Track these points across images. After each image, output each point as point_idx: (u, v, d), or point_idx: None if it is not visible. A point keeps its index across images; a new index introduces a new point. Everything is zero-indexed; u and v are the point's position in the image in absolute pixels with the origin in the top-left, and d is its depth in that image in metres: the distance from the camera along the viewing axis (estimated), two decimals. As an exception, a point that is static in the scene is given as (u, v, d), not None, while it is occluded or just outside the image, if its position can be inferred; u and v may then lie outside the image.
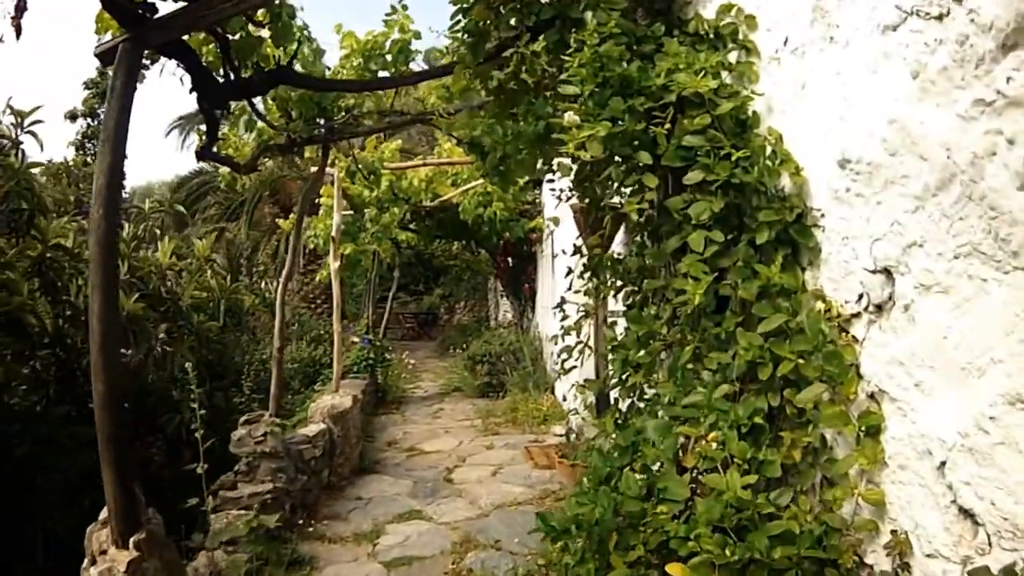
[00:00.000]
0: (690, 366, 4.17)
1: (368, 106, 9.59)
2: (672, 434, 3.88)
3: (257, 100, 8.94)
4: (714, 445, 3.59)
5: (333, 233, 13.36)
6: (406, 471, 11.55)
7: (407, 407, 17.48)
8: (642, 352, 4.72)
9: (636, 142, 4.19)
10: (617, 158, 4.39)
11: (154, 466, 9.58)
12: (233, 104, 8.57)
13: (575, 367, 6.61)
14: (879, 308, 3.25)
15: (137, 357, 9.61)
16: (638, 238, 5.60)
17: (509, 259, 22.51)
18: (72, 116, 29.74)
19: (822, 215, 3.71)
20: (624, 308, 5.57)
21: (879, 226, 3.20)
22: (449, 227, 20.73)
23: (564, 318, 6.81)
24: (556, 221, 12.58)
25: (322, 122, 9.87)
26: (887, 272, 3.19)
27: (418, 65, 9.96)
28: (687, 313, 4.23)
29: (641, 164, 4.18)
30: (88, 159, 25.72)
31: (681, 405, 3.92)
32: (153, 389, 10.26)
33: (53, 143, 48.49)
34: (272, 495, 8.40)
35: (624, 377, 4.97)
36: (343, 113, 9.66)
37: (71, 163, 22.01)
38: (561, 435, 12.86)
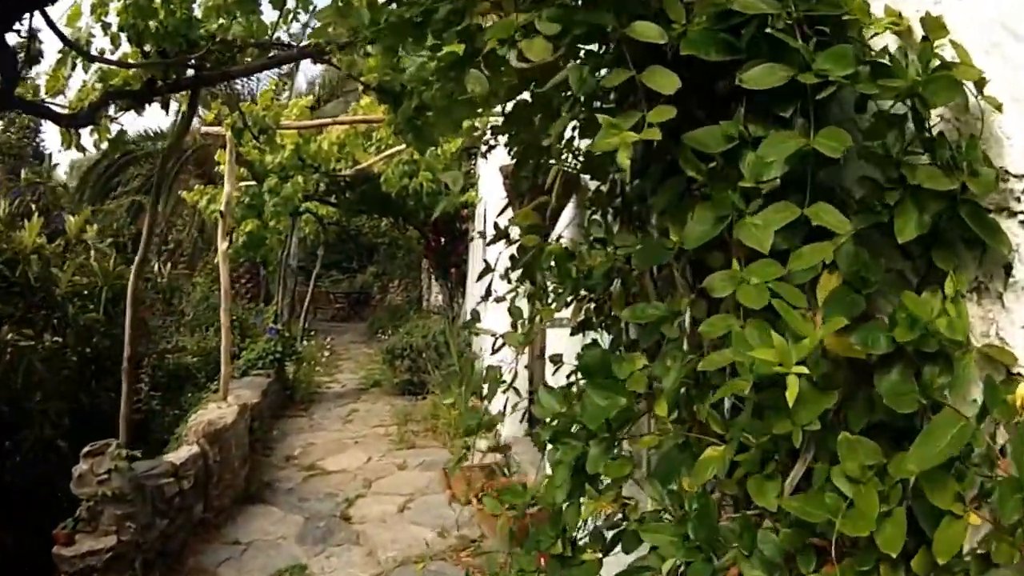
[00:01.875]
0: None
1: (236, 32, 7.14)
2: None
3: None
4: None
5: (222, 207, 11.27)
6: (299, 501, 9.85)
7: (317, 408, 15.55)
8: (609, 454, 2.71)
9: (622, 11, 2.49)
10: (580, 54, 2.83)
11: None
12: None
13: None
14: None
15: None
16: (599, 215, 3.76)
17: (441, 238, 20.23)
18: None
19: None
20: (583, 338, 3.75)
21: None
22: (371, 201, 18.36)
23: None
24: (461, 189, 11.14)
25: (193, 61, 7.38)
26: None
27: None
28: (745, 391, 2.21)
29: (631, 59, 2.43)
30: None
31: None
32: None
33: None
34: (114, 552, 6.80)
35: (569, 496, 2.87)
36: (211, 42, 7.17)
37: None
38: (487, 451, 10.94)
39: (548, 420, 3.01)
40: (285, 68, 24.28)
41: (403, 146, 13.93)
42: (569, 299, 3.68)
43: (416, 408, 14.48)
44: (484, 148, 5.41)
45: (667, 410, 2.59)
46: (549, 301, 3.68)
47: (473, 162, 17.59)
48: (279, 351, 14.89)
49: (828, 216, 2.15)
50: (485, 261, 4.91)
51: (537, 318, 3.68)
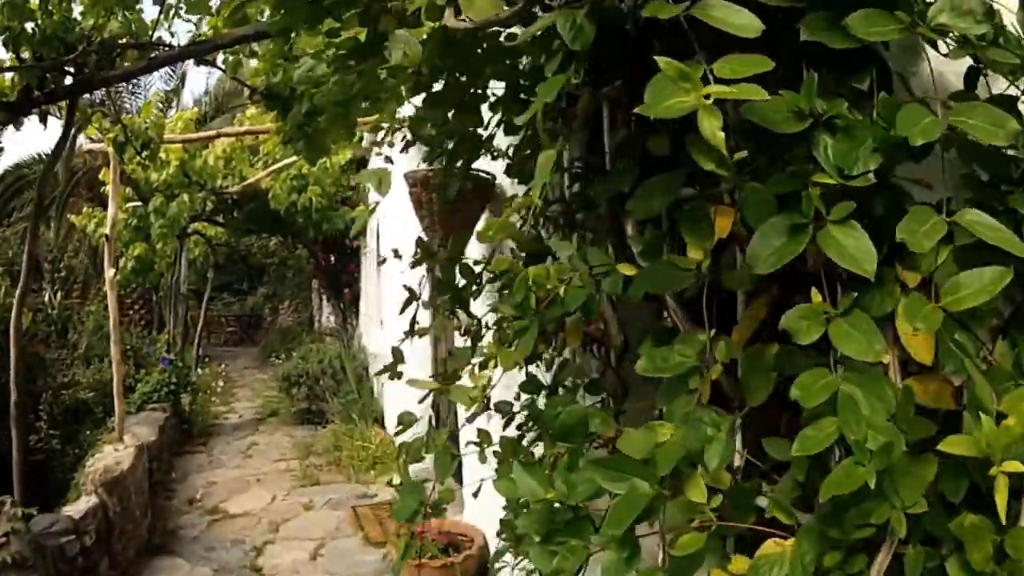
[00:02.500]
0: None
1: (113, 28, 6.36)
2: None
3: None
4: None
5: (107, 230, 10.50)
6: (205, 551, 9.20)
7: (216, 442, 14.78)
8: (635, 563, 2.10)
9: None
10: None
11: None
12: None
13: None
14: None
15: None
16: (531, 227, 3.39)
17: (331, 256, 19.55)
18: None
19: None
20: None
21: None
22: (260, 219, 17.66)
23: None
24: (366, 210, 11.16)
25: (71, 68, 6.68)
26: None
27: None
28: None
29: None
30: None
31: None
32: None
33: None
34: (16, 626, 6.09)
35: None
36: (89, 44, 6.41)
37: None
38: (397, 485, 10.41)
39: (520, 504, 2.43)
40: (171, 84, 23.54)
41: (291, 159, 13.41)
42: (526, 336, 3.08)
43: (317, 439, 13.87)
44: (389, 149, 5.13)
45: (706, 495, 2.01)
46: (508, 341, 2.88)
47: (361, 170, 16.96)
48: (174, 382, 14.09)
49: (993, 232, 1.73)
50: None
51: (491, 363, 2.92)
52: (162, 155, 12.70)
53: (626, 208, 2.54)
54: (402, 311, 4.31)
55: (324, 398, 14.98)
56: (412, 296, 4.14)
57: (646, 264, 2.52)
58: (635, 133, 2.65)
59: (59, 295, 15.13)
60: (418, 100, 3.39)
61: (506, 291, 3.12)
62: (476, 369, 3.03)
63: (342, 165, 14.91)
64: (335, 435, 13.19)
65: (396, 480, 3.16)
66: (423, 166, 7.74)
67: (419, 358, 10.96)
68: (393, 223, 12.36)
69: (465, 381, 3.11)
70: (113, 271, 10.40)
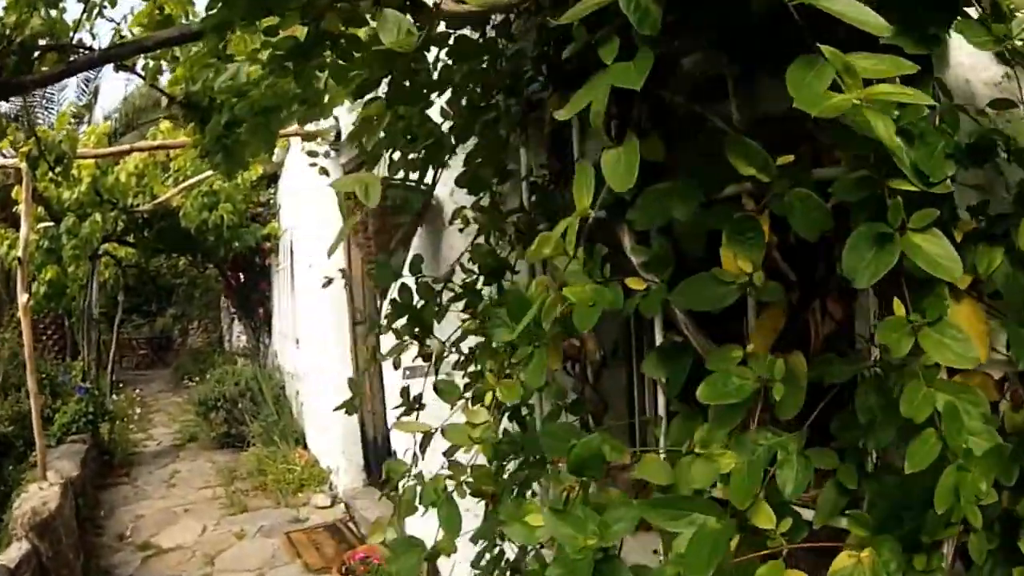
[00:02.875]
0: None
1: (35, 26, 5.91)
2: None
3: None
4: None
5: (20, 252, 10.07)
6: None
7: (138, 471, 14.31)
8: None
9: None
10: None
11: None
12: None
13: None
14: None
15: None
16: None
17: (240, 274, 19.07)
18: None
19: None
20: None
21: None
22: (170, 238, 16.96)
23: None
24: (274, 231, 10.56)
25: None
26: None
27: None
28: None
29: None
30: None
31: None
32: None
33: None
34: None
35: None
36: (9, 44, 5.98)
37: None
38: (326, 507, 10.72)
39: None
40: (83, 99, 22.87)
41: (203, 175, 13.18)
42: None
43: (239, 463, 13.53)
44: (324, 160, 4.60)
45: (775, 520, 1.91)
46: (500, 368, 2.62)
47: (272, 189, 16.73)
48: (91, 412, 13.65)
49: (929, 256, 1.73)
50: (381, 312, 4.05)
51: (496, 393, 2.57)
52: (74, 172, 12.18)
53: (627, 218, 2.40)
54: (370, 330, 4.02)
55: (243, 421, 14.65)
56: (376, 323, 3.75)
57: (650, 277, 2.37)
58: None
59: None
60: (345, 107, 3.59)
61: (487, 314, 2.91)
62: (468, 403, 2.77)
63: (253, 181, 14.64)
64: (258, 458, 12.89)
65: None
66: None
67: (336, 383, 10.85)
68: (307, 239, 12.06)
69: (456, 417, 2.80)
70: (26, 296, 9.93)
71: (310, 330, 12.65)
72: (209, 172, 12.99)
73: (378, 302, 8.46)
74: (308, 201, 11.85)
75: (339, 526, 9.83)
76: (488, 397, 2.56)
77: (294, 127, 9.12)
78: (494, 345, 2.63)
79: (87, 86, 24.17)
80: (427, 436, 3.04)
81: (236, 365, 18.14)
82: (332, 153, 10.15)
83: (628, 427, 3.80)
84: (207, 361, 21.94)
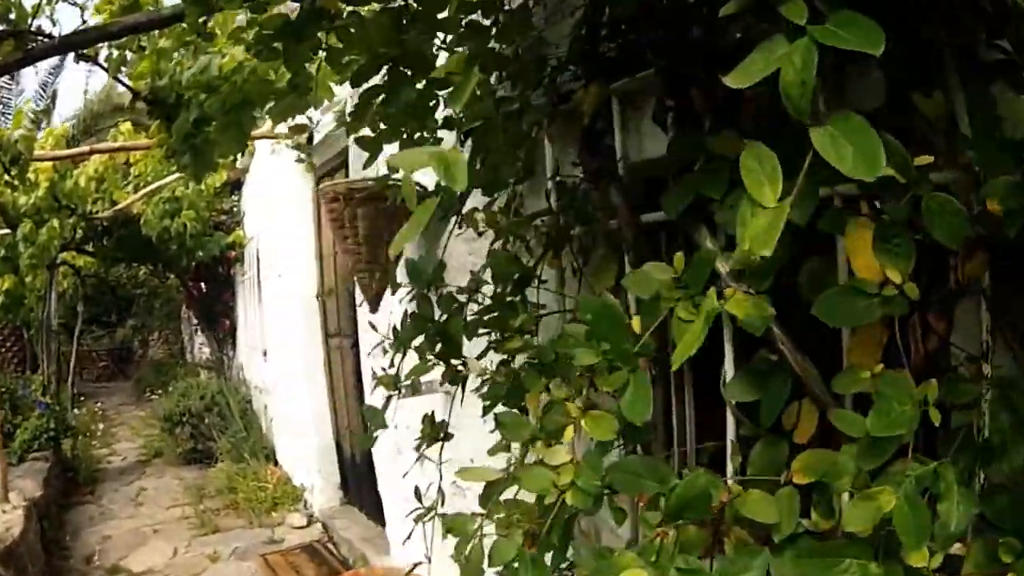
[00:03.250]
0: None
1: None
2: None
3: None
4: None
5: None
6: None
7: (103, 489, 13.76)
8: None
9: None
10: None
11: None
12: None
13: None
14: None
15: None
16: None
17: (203, 284, 18.42)
18: None
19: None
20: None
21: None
22: (131, 247, 16.32)
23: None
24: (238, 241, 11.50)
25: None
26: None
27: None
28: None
29: None
30: None
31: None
32: None
33: None
34: None
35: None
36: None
37: None
38: (302, 526, 10.27)
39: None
40: (41, 104, 22.42)
41: (165, 180, 12.77)
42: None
43: (208, 480, 13.00)
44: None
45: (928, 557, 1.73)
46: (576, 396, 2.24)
47: (236, 196, 16.26)
48: (53, 428, 13.22)
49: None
50: (372, 325, 3.91)
51: (566, 434, 2.20)
52: (31, 175, 11.71)
53: (717, 220, 2.15)
54: (370, 352, 3.58)
55: (210, 436, 14.20)
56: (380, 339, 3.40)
57: (743, 287, 2.01)
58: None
59: None
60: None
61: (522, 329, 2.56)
62: (539, 443, 2.32)
63: (217, 188, 14.12)
64: (227, 475, 12.42)
65: None
66: (339, 176, 7.05)
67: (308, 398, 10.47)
68: (276, 248, 11.63)
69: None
70: None
71: (279, 342, 12.24)
72: (171, 177, 12.56)
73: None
74: (277, 207, 11.45)
75: (317, 547, 9.40)
76: (568, 433, 2.20)
77: (263, 128, 8.71)
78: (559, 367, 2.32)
79: (44, 91, 23.75)
80: (494, 484, 2.52)
81: (199, 378, 17.73)
82: (303, 157, 9.77)
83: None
84: (169, 373, 21.42)
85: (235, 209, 16.37)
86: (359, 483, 9.67)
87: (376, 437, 3.25)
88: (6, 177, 9.13)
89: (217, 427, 14.19)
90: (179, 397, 15.40)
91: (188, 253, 15.38)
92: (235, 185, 15.37)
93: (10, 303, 14.20)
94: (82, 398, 20.76)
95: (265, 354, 13.52)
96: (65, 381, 18.65)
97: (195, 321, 21.70)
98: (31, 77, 29.31)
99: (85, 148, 12.18)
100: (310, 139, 9.33)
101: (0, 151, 8.19)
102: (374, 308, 5.30)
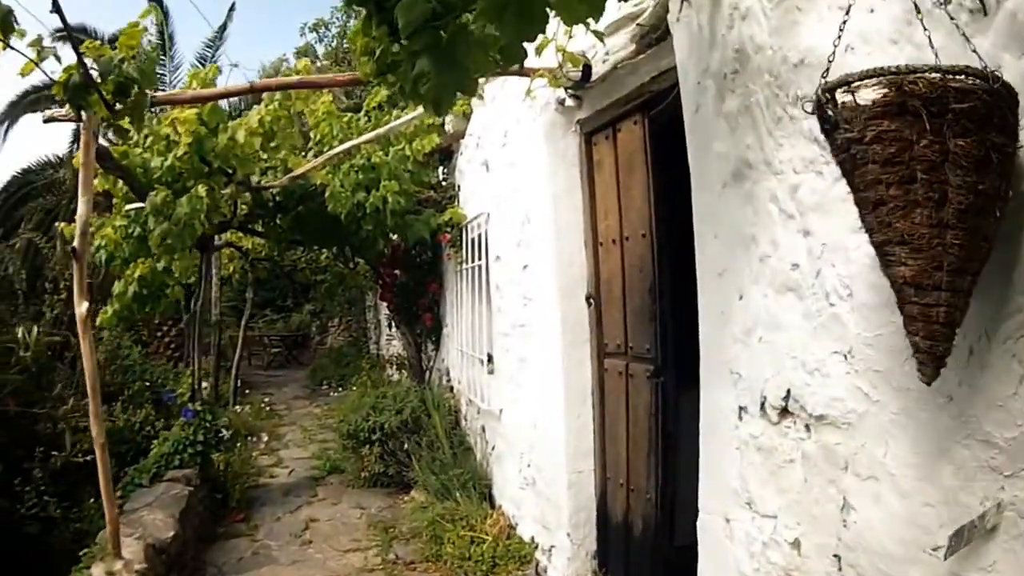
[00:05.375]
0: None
1: None
2: None
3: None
4: None
5: (75, 242, 6.63)
6: None
7: (261, 516, 10.89)
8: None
9: None
10: None
11: None
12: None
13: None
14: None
15: None
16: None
17: (396, 271, 14.44)
18: None
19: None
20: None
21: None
22: (312, 227, 12.90)
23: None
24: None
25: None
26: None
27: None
28: None
29: None
30: None
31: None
32: None
33: None
34: None
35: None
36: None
37: None
38: None
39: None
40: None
41: (361, 137, 9.87)
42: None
43: (399, 514, 10.28)
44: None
45: None
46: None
47: (444, 167, 13.18)
48: (201, 440, 10.53)
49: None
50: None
51: None
52: (167, 128, 9.05)
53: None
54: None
55: (406, 461, 11.28)
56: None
57: None
58: None
59: (36, 330, 11.00)
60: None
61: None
62: None
63: (425, 153, 11.06)
64: (429, 516, 9.41)
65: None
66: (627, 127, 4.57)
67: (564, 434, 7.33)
68: (515, 228, 8.67)
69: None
70: (84, 306, 6.62)
71: (514, 351, 9.00)
72: (367, 136, 9.80)
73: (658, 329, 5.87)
74: (519, 176, 8.45)
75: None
76: None
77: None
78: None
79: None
80: None
81: (392, 379, 15.75)
82: (569, 101, 6.97)
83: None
84: (350, 365, 20.12)
85: (444, 183, 13.12)
86: (628, 559, 6.64)
87: None
88: (113, 120, 6.12)
89: (415, 452, 11.13)
90: (371, 410, 12.12)
91: (385, 235, 12.23)
92: (444, 154, 12.45)
93: (146, 294, 10.97)
94: (247, 391, 19.08)
95: (488, 363, 10.22)
96: (229, 371, 17.32)
97: (388, 313, 18.51)
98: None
99: (243, 85, 8.00)
100: (585, 75, 6.40)
101: (104, 74, 5.51)
102: (931, 368, 2.48)
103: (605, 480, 6.96)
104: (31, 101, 24.76)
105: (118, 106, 5.66)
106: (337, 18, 26.84)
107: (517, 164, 8.50)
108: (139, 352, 15.29)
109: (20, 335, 9.94)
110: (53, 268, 14.78)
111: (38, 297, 14.33)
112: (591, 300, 7.04)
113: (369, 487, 11.73)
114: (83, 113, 5.87)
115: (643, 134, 6.17)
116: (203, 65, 20.24)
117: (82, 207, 6.55)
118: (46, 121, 6.80)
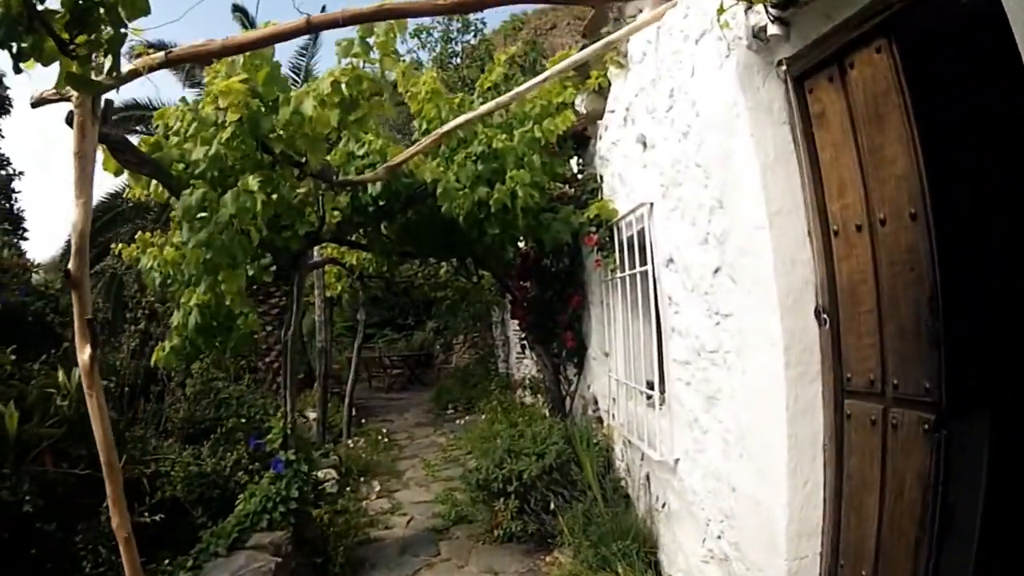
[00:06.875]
0: None
1: None
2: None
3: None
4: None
5: (71, 263, 4.58)
6: None
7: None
8: None
9: None
10: None
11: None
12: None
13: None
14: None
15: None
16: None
17: (527, 283, 12.26)
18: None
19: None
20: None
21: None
22: (424, 235, 11.03)
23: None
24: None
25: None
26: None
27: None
28: None
29: None
30: None
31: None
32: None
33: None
34: None
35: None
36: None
37: None
38: None
39: None
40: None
41: (478, 110, 7.86)
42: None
43: (541, 582, 8.12)
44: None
45: None
46: None
47: (579, 155, 10.90)
48: (296, 497, 8.57)
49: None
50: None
51: None
52: (209, 109, 6.74)
53: None
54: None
55: (548, 510, 9.18)
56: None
57: None
58: None
59: (78, 375, 9.05)
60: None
61: None
62: None
63: (560, 136, 9.16)
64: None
65: None
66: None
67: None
68: (692, 224, 6.53)
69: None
70: (88, 352, 4.54)
71: (702, 389, 6.61)
72: (485, 107, 7.83)
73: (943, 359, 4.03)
74: (713, 144, 6.04)
75: None
76: None
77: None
78: None
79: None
80: None
81: (518, 394, 14.83)
82: (772, 27, 5.04)
83: None
84: (478, 387, 19.10)
85: (581, 174, 10.85)
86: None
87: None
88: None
89: (561, 508, 9.05)
90: (504, 455, 9.92)
91: (514, 240, 10.40)
92: (579, 139, 10.40)
93: (215, 326, 8.48)
94: (363, 420, 17.89)
95: (653, 397, 7.99)
96: (342, 399, 16.43)
97: (519, 331, 16.80)
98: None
99: (298, 21, 4.70)
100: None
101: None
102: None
103: (836, 568, 4.86)
104: (121, 119, 23.54)
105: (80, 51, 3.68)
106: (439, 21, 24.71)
107: (694, 132, 6.32)
108: (247, 379, 13.69)
109: (60, 379, 8.01)
110: (134, 298, 13.06)
111: (119, 331, 12.93)
112: (824, 316, 4.89)
113: (502, 543, 9.69)
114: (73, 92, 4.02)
115: (893, 65, 4.18)
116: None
117: (77, 213, 4.59)
118: (35, 105, 4.99)
